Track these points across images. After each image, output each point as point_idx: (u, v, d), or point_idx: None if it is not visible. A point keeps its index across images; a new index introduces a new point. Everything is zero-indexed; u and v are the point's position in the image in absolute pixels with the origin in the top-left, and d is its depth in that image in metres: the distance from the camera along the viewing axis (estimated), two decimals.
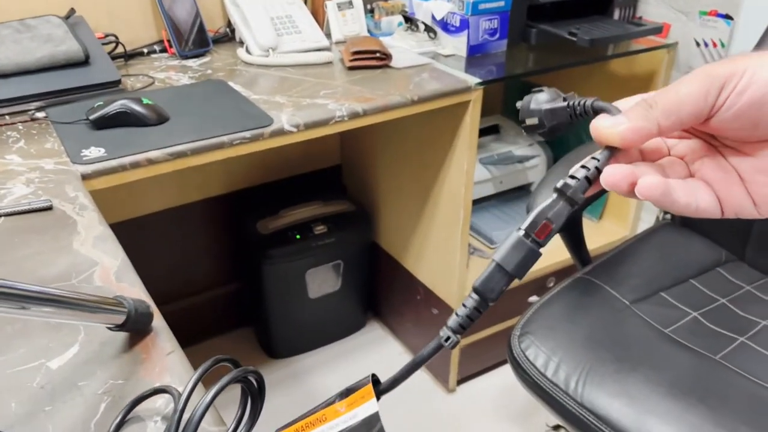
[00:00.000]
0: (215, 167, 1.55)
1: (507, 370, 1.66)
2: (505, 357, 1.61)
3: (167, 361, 0.53)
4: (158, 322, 0.57)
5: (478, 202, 1.64)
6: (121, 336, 0.55)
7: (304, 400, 1.55)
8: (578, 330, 0.98)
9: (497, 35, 1.32)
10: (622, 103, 0.34)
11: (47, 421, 0.46)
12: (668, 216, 1.27)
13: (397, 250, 1.61)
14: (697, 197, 0.32)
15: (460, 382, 1.59)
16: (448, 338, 0.35)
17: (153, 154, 0.89)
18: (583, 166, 0.33)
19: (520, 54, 1.35)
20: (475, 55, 1.31)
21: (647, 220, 1.66)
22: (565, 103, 0.36)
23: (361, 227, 1.62)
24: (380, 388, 0.38)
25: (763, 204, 0.32)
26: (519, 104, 0.38)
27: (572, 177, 0.33)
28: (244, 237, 1.57)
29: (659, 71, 1.44)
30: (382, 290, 1.75)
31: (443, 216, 1.37)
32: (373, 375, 0.39)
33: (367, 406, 0.37)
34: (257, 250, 1.51)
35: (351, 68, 1.22)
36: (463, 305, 0.35)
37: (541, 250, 0.34)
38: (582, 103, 0.35)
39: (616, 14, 1.48)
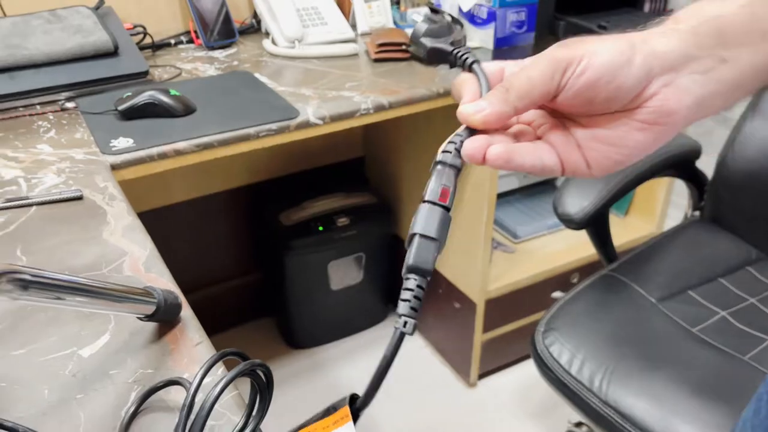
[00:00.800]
0: (238, 158, 1.55)
1: (528, 365, 1.66)
2: (526, 352, 1.61)
3: (195, 351, 0.53)
4: (186, 312, 0.57)
5: (502, 196, 1.63)
6: (150, 326, 0.55)
7: (325, 391, 1.56)
8: (603, 327, 0.97)
9: (524, 28, 1.31)
10: (487, 66, 0.39)
11: (79, 409, 0.47)
12: (696, 213, 1.25)
13: None
14: (542, 157, 0.37)
15: (481, 376, 1.59)
16: (405, 323, 0.35)
17: (180, 145, 0.89)
18: (450, 142, 0.37)
19: (548, 47, 1.34)
20: (502, 47, 1.30)
21: (674, 216, 1.63)
22: (450, 50, 0.41)
23: (384, 220, 1.62)
24: (357, 407, 0.38)
25: (595, 166, 0.37)
26: (417, 23, 0.42)
27: (445, 152, 0.37)
28: (267, 228, 1.58)
29: None
30: (403, 283, 1.75)
31: (467, 209, 1.37)
32: (353, 395, 0.39)
33: (345, 429, 0.36)
34: (280, 241, 1.51)
35: (376, 60, 1.21)
36: (407, 289, 0.35)
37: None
38: (464, 59, 0.40)
39: (647, 7, 1.45)
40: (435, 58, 0.42)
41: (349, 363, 1.66)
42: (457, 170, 0.37)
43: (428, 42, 0.41)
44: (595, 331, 0.96)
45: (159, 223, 1.52)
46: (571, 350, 0.94)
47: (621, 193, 1.02)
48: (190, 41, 1.31)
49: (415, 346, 1.70)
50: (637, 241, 1.58)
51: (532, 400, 1.56)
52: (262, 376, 0.43)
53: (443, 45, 0.41)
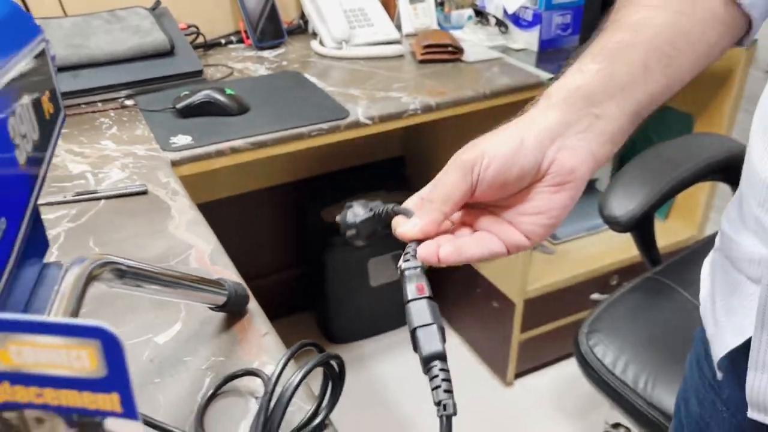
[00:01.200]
0: (282, 155, 1.58)
1: (566, 365, 1.66)
2: (564, 352, 1.61)
3: (263, 341, 0.56)
4: (252, 304, 0.60)
5: None
6: (219, 316, 0.58)
7: (363, 384, 1.58)
8: (647, 330, 0.97)
9: (569, 30, 1.31)
10: (408, 202, 0.44)
11: (158, 393, 0.50)
12: None
13: None
14: (487, 246, 0.42)
15: (517, 375, 1.60)
16: (445, 407, 0.37)
17: (236, 143, 0.92)
18: (406, 253, 0.42)
19: None
20: (547, 50, 1.30)
21: (716, 220, 1.62)
22: (372, 213, 0.44)
23: None
24: None
25: (532, 236, 0.42)
26: (338, 218, 0.46)
27: (405, 260, 0.41)
28: (309, 224, 1.61)
29: (736, 69, 1.40)
30: (441, 282, 1.76)
31: None
32: None
33: None
34: (322, 238, 1.54)
35: (422, 61, 1.23)
36: (435, 377, 0.37)
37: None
38: (384, 210, 0.44)
39: None
40: (367, 229, 0.45)
41: (387, 358, 1.68)
42: (421, 268, 0.41)
43: (356, 219, 0.45)
44: (640, 333, 0.97)
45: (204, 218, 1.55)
46: (615, 351, 0.94)
47: (667, 196, 1.02)
48: (240, 41, 1.34)
49: (451, 344, 1.72)
50: (677, 244, 1.58)
51: (569, 401, 1.56)
52: (336, 368, 0.45)
53: (365, 215, 0.44)
